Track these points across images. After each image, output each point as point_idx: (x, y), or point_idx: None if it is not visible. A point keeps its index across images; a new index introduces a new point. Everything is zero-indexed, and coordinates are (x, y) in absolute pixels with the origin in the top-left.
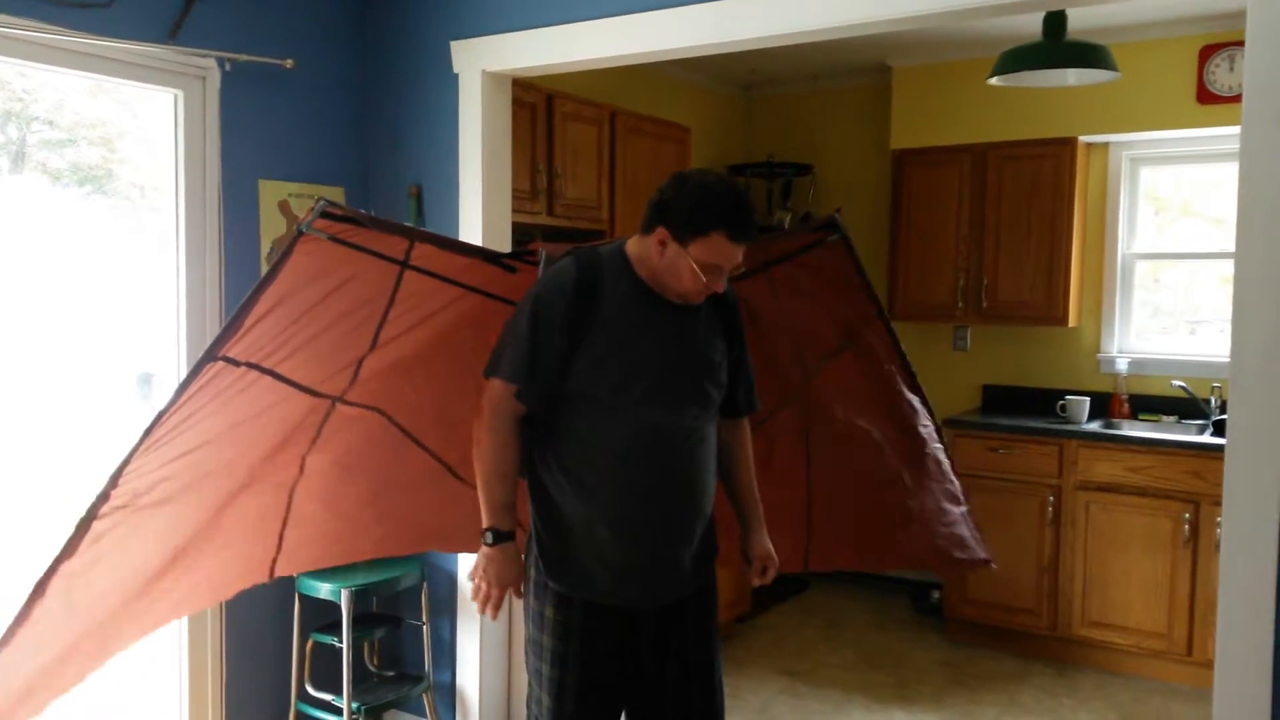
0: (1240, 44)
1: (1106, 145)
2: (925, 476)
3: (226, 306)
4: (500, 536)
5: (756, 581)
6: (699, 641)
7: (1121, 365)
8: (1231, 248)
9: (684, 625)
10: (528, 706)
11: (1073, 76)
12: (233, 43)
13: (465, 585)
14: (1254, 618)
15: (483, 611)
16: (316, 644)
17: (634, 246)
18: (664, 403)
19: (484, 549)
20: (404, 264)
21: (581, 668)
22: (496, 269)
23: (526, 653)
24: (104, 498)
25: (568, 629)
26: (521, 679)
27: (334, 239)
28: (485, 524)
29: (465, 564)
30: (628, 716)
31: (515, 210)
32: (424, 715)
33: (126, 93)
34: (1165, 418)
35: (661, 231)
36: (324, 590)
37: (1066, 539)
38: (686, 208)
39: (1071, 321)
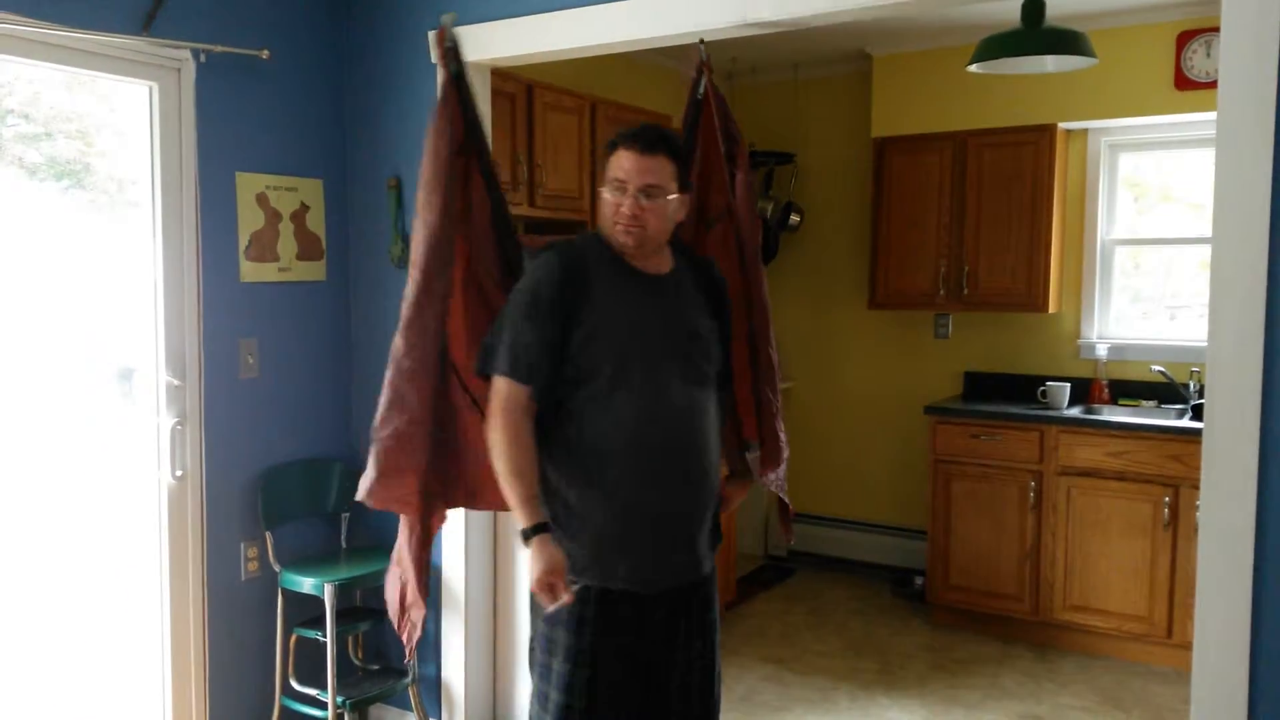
0: (1217, 29)
1: (1085, 132)
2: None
3: (205, 300)
4: (534, 530)
5: None
6: (702, 630)
7: (1101, 351)
8: (1209, 233)
9: (690, 613)
10: (531, 705)
11: (1051, 63)
12: (207, 34)
13: (450, 577)
14: (1232, 600)
15: (553, 604)
16: (300, 638)
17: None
18: (660, 380)
19: (530, 550)
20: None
21: (595, 661)
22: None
23: (532, 649)
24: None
25: (582, 622)
26: (506, 672)
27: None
28: (520, 524)
29: (449, 556)
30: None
31: None
32: (409, 709)
33: (103, 85)
34: (1145, 403)
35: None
36: (307, 585)
37: (1048, 524)
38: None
39: (1052, 308)
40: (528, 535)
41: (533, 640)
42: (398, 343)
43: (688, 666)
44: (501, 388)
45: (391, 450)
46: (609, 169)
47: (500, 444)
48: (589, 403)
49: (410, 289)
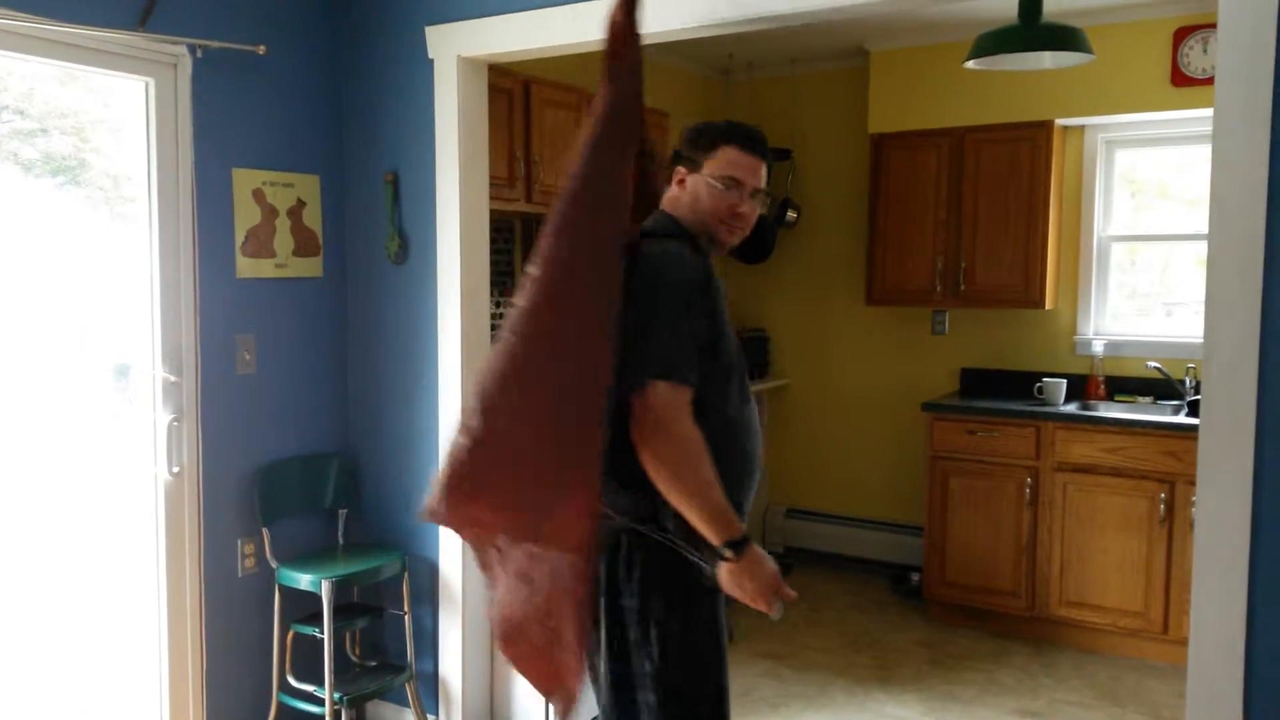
0: (1214, 26)
1: (1082, 128)
2: None
3: (201, 296)
4: (747, 539)
5: None
6: None
7: (1098, 347)
8: (1206, 229)
9: None
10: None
11: (1048, 59)
12: (204, 29)
13: (447, 574)
14: (1227, 595)
15: (776, 603)
16: (298, 635)
17: (676, 210)
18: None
19: (741, 564)
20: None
21: (725, 659)
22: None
23: (644, 681)
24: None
25: (713, 622)
26: (503, 668)
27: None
28: (723, 537)
29: (446, 552)
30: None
31: (493, 197)
32: (407, 705)
33: (98, 81)
34: (1141, 399)
35: (679, 172)
36: (304, 581)
37: (1044, 520)
38: (690, 138)
39: (1048, 304)
40: (741, 546)
41: (643, 678)
42: (579, 344)
43: None
44: (671, 395)
45: (566, 472)
46: (715, 163)
47: (691, 455)
48: (723, 395)
49: (587, 283)
